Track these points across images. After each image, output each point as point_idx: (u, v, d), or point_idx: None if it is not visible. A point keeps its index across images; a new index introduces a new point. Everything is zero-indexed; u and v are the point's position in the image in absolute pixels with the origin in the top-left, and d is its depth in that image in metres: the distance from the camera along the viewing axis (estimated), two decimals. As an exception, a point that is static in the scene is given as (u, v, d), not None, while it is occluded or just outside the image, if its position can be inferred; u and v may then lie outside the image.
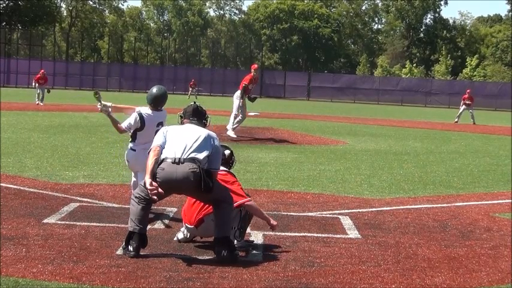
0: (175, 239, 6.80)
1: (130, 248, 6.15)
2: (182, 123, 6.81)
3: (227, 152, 7.07)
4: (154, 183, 6.18)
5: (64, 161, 12.81)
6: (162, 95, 8.13)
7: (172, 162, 6.21)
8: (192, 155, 6.28)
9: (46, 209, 8.11)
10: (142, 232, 6.22)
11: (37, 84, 34.66)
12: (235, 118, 19.00)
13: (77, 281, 5.33)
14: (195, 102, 6.96)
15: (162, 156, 6.32)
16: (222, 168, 6.82)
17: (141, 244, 6.20)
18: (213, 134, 6.55)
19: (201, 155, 6.30)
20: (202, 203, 6.59)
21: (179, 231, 6.86)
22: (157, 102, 8.09)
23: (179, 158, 6.23)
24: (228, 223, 6.38)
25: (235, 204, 6.54)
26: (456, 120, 35.61)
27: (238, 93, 19.10)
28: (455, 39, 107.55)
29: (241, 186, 6.89)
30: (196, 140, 6.39)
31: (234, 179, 6.88)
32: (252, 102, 19.65)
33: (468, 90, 38.00)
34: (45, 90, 34.37)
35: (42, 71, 36.94)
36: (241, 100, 18.94)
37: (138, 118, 7.96)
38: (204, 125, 6.76)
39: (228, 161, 7.08)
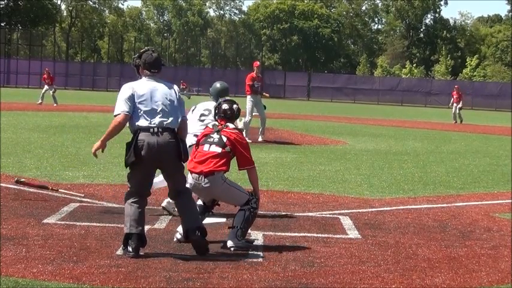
0: (174, 239, 6.79)
1: (130, 249, 6.13)
2: (140, 73, 6.54)
3: (235, 106, 6.98)
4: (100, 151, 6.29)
5: (64, 161, 12.81)
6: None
7: (152, 134, 6.20)
8: (169, 122, 6.26)
9: (46, 209, 8.11)
10: (140, 232, 6.19)
11: (45, 85, 34.56)
12: (248, 123, 18.62)
13: (77, 281, 5.33)
14: (154, 51, 6.62)
15: (136, 124, 6.21)
16: (231, 126, 6.86)
17: (140, 244, 6.20)
18: (174, 86, 6.53)
19: (176, 119, 6.34)
20: (215, 157, 6.58)
21: (177, 232, 6.85)
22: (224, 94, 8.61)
23: (157, 128, 6.20)
24: (195, 211, 6.44)
25: (240, 168, 6.77)
26: (454, 121, 35.50)
27: (248, 98, 18.92)
28: (455, 39, 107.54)
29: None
30: (167, 103, 6.33)
31: (245, 140, 6.93)
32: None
33: (456, 86, 37.96)
34: (52, 90, 34.08)
35: (47, 69, 36.92)
36: (252, 101, 18.71)
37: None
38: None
39: (237, 116, 7.02)
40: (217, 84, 8.85)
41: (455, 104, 36.13)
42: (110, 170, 11.76)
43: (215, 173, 6.58)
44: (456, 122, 35.21)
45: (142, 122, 6.23)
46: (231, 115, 6.94)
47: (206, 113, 8.46)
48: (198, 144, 6.85)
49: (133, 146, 6.14)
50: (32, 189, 9.37)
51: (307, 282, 5.59)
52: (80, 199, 8.91)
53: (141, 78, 6.52)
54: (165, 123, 6.25)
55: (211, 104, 8.51)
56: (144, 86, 6.38)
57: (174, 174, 6.42)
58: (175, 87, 6.56)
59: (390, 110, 54.31)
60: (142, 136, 6.17)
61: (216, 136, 6.77)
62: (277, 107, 45.79)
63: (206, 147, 6.71)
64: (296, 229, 7.69)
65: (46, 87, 34.25)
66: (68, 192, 9.06)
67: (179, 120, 6.39)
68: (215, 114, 7.03)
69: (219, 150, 6.68)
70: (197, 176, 6.59)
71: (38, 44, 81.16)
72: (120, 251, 6.24)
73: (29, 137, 16.84)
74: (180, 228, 6.80)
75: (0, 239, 6.51)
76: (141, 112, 6.26)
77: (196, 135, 7.73)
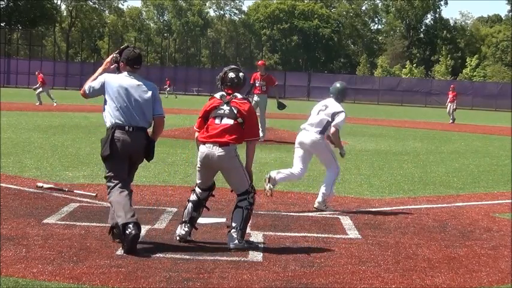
0: (176, 238, 6.77)
1: (128, 231, 6.17)
2: (121, 69, 6.71)
3: (241, 74, 6.92)
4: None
5: (64, 161, 12.80)
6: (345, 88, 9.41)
7: (126, 132, 6.45)
8: (142, 122, 6.54)
9: (46, 209, 8.11)
10: (136, 220, 6.31)
11: (40, 87, 34.95)
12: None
13: (77, 281, 5.32)
14: (135, 47, 6.86)
15: (112, 121, 6.49)
16: (239, 96, 6.82)
17: (138, 230, 6.28)
18: (152, 84, 6.72)
19: (149, 119, 6.62)
20: (229, 130, 6.59)
21: (175, 233, 6.83)
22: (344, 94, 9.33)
23: (132, 127, 6.46)
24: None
25: (245, 139, 6.75)
26: (451, 121, 35.44)
27: (254, 96, 18.97)
28: (455, 39, 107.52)
29: None
30: (142, 102, 6.55)
31: (254, 110, 6.92)
32: (280, 110, 18.93)
33: (452, 86, 37.99)
34: (39, 90, 34.52)
35: (37, 72, 37.42)
36: (255, 100, 18.68)
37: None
38: None
39: (243, 84, 6.94)
40: (337, 84, 9.38)
41: (450, 104, 36.17)
42: (110, 170, 11.74)
43: (230, 145, 6.61)
44: (453, 121, 35.15)
45: (117, 119, 6.50)
46: (238, 83, 6.86)
47: (323, 108, 9.12)
48: (207, 116, 6.76)
49: (109, 142, 6.46)
50: (32, 189, 9.39)
51: (307, 282, 5.59)
52: (80, 199, 8.92)
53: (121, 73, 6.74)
54: (138, 122, 6.53)
55: (329, 101, 9.20)
56: (122, 82, 6.60)
57: (133, 166, 6.75)
58: (154, 86, 6.76)
59: (390, 110, 54.30)
60: (118, 133, 6.48)
61: (226, 108, 6.71)
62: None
63: (218, 120, 6.66)
64: (296, 229, 7.69)
65: (40, 89, 34.55)
66: (81, 192, 9.20)
67: (151, 120, 6.66)
68: (221, 84, 6.91)
69: (231, 122, 6.65)
70: (211, 145, 6.59)
71: (38, 44, 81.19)
72: (120, 251, 6.24)
73: (29, 137, 16.83)
74: (178, 230, 6.77)
75: (0, 239, 6.51)
76: (117, 108, 6.52)
77: (312, 124, 9.04)
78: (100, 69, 6.80)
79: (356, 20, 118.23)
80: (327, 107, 9.10)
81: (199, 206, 6.86)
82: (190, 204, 6.84)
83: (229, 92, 6.83)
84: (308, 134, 9.07)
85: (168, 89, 59.00)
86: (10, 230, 6.93)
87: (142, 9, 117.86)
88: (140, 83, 6.63)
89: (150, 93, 6.61)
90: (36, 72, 37.47)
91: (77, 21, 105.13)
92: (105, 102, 6.61)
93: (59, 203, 8.58)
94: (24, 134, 17.76)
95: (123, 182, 6.52)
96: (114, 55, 6.79)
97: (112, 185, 6.51)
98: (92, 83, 6.70)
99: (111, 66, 6.79)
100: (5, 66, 66.57)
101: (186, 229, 6.76)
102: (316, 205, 8.87)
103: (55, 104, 32.90)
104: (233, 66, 7.01)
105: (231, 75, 6.85)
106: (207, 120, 6.74)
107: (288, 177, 9.08)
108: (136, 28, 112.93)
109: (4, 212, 7.79)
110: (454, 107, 35.85)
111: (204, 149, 6.64)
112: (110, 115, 6.54)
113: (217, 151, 6.57)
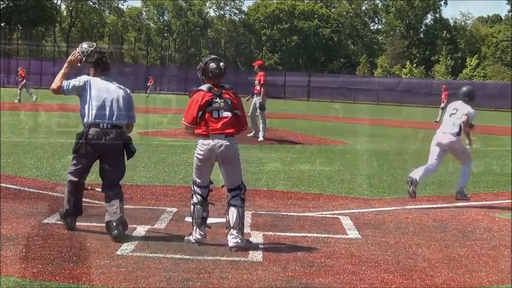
0: (196, 245, 6.69)
1: (68, 220, 6.92)
2: (92, 72, 7.09)
3: (222, 64, 6.84)
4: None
5: (64, 161, 12.78)
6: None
7: (101, 129, 6.76)
8: (117, 121, 6.87)
9: (46, 209, 8.11)
10: (75, 215, 6.97)
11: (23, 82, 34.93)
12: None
13: (77, 281, 5.33)
14: (101, 50, 7.21)
15: (88, 119, 6.80)
16: (227, 86, 6.84)
17: (78, 214, 6.97)
18: (127, 90, 7.09)
19: (125, 119, 6.96)
20: (229, 122, 6.66)
21: (190, 235, 6.83)
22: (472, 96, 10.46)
23: (106, 124, 6.78)
24: (121, 205, 6.90)
25: (244, 128, 6.91)
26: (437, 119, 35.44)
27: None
28: (455, 39, 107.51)
29: None
30: (120, 103, 6.91)
31: (240, 101, 6.96)
32: (260, 110, 18.66)
33: (444, 86, 37.98)
34: (19, 87, 34.81)
35: (19, 69, 37.56)
36: (253, 100, 18.65)
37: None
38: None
39: (224, 73, 6.87)
40: (464, 88, 10.61)
41: (442, 104, 36.20)
42: (110, 170, 11.73)
43: (234, 136, 6.71)
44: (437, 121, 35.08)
45: (94, 118, 6.81)
46: (219, 73, 6.80)
47: (454, 111, 10.29)
48: (203, 110, 6.68)
49: (83, 139, 6.77)
50: (31, 189, 9.39)
51: (307, 282, 5.59)
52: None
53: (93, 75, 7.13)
54: (113, 121, 6.84)
55: (458, 104, 10.37)
56: (100, 84, 6.97)
57: (114, 165, 6.92)
58: (128, 91, 7.13)
59: (390, 109, 54.29)
60: (92, 131, 6.78)
61: (220, 100, 6.71)
62: (277, 107, 45.78)
63: (215, 113, 6.67)
64: (296, 229, 7.69)
65: (25, 87, 34.48)
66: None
67: (126, 120, 6.98)
68: (202, 74, 6.88)
69: (229, 114, 6.69)
70: (217, 137, 6.61)
71: (38, 44, 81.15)
72: (119, 251, 6.25)
73: (29, 137, 16.83)
74: (194, 235, 6.73)
75: (0, 239, 6.51)
76: (94, 108, 6.83)
77: (447, 128, 10.25)
78: (65, 69, 7.04)
79: (356, 20, 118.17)
80: (457, 110, 10.25)
81: (206, 205, 6.84)
82: (198, 207, 6.76)
83: (212, 82, 6.80)
84: (445, 136, 10.25)
85: (150, 86, 58.76)
86: (10, 230, 6.93)
87: (142, 9, 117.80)
88: (117, 86, 7.03)
89: (127, 96, 7.02)
90: (19, 69, 37.51)
91: (77, 21, 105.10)
92: (83, 102, 6.89)
93: (59, 203, 8.57)
94: (24, 134, 17.76)
95: (79, 184, 6.97)
96: (78, 54, 7.04)
97: (71, 179, 6.96)
98: (71, 81, 6.95)
99: (78, 64, 7.08)
100: (5, 66, 66.50)
101: (202, 232, 6.77)
102: (458, 196, 10.15)
103: (16, 101, 33.03)
104: (213, 57, 6.95)
105: (212, 65, 6.81)
106: (202, 115, 6.69)
107: (425, 173, 10.19)
108: (136, 28, 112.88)
109: (4, 212, 7.79)
110: (443, 106, 35.86)
111: (209, 141, 6.62)
112: (87, 114, 6.85)
113: (225, 142, 6.62)
